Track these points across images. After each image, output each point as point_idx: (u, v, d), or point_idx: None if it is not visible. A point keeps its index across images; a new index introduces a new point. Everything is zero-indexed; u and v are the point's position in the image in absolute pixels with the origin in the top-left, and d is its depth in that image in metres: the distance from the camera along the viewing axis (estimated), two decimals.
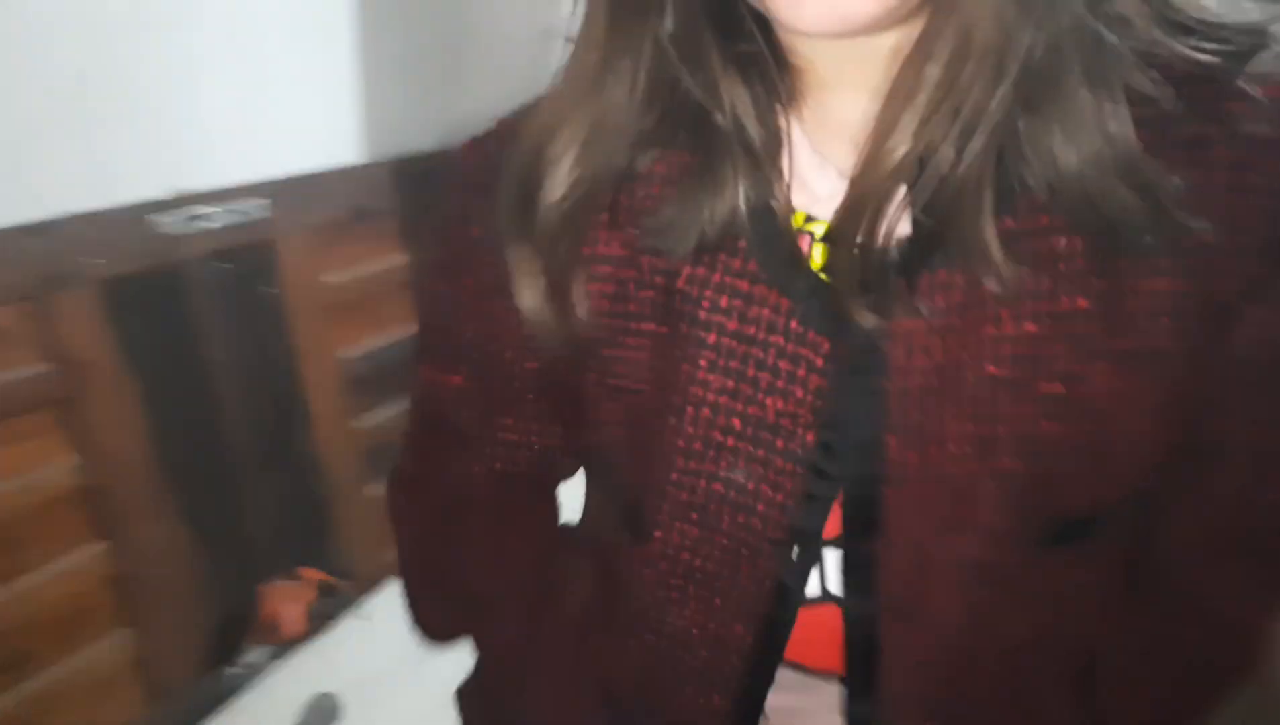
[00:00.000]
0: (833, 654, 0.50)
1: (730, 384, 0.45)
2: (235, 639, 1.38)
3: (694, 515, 0.48)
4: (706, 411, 0.46)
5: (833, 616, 0.49)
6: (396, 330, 1.70)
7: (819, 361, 0.44)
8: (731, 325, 0.45)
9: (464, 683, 0.68)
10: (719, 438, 0.46)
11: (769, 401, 0.45)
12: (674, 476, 0.47)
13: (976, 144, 0.38)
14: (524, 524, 0.62)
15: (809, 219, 0.45)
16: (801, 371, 0.44)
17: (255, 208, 1.44)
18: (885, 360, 0.43)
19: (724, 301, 0.45)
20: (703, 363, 0.46)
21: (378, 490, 1.76)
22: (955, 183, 0.39)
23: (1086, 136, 0.38)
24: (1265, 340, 0.42)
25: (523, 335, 0.50)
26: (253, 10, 1.40)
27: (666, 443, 0.47)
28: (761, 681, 0.52)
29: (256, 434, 1.45)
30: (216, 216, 1.37)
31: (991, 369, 0.42)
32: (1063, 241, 0.41)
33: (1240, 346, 0.42)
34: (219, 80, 1.36)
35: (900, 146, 0.39)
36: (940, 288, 0.42)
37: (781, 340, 0.44)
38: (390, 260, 1.67)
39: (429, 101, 1.81)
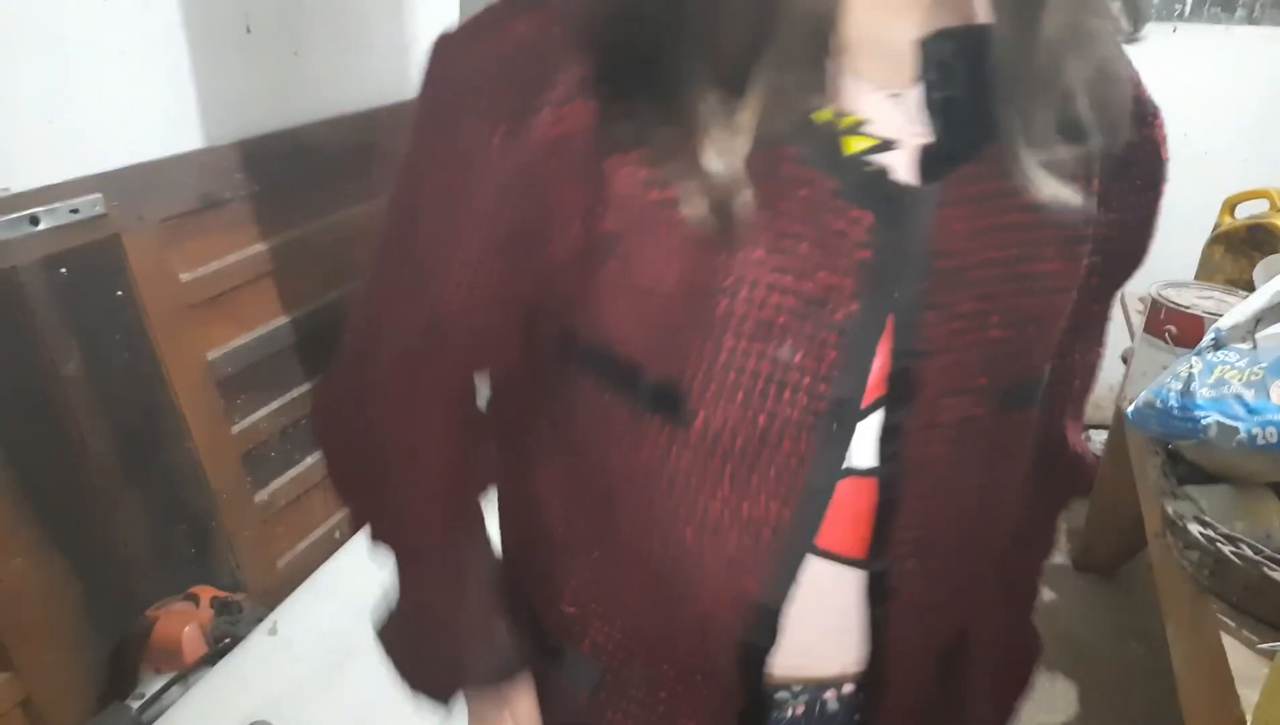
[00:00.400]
0: (854, 533, 0.54)
1: (783, 262, 0.47)
2: (130, 669, 1.28)
3: (739, 396, 0.49)
4: (760, 292, 0.47)
5: (856, 492, 0.53)
6: (265, 322, 1.60)
7: (862, 236, 0.48)
8: (780, 205, 0.47)
9: (383, 622, 0.69)
10: (771, 316, 0.48)
11: (820, 276, 0.48)
12: (723, 357, 0.48)
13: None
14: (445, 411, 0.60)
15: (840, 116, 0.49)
16: (846, 246, 0.48)
17: (88, 204, 1.31)
18: (929, 244, 0.49)
19: (766, 181, 0.46)
20: (757, 244, 0.47)
21: (266, 496, 1.68)
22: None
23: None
24: (1106, 237, 0.56)
25: (525, 247, 0.49)
26: None
27: (715, 325, 0.48)
28: (794, 562, 0.53)
29: (126, 450, 1.34)
30: (45, 217, 1.24)
31: (994, 254, 0.50)
32: None
33: (1094, 242, 0.55)
34: (31, 64, 1.22)
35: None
36: (971, 180, 0.49)
37: (828, 217, 0.47)
38: (249, 249, 1.56)
39: (265, 76, 1.69)
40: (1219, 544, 0.93)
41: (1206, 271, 1.82)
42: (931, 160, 0.49)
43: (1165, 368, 1.28)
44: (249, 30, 1.65)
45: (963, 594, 0.62)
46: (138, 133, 1.41)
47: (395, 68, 2.06)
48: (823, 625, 0.56)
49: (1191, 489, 1.05)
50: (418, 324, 0.54)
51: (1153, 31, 0.55)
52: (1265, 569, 0.88)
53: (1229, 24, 2.41)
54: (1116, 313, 2.17)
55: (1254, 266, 1.69)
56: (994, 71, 0.48)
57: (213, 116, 1.54)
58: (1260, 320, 1.14)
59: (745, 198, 0.46)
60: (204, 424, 1.45)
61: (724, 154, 0.45)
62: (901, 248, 0.49)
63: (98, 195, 1.30)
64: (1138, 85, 0.56)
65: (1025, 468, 0.62)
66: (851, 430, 0.51)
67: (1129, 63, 0.54)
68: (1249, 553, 0.91)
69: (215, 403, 1.48)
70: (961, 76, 0.48)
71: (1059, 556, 2.27)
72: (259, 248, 1.59)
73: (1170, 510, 1.01)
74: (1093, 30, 0.49)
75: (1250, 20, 2.41)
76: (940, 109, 0.48)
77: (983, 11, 0.50)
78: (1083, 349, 0.63)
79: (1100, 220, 0.55)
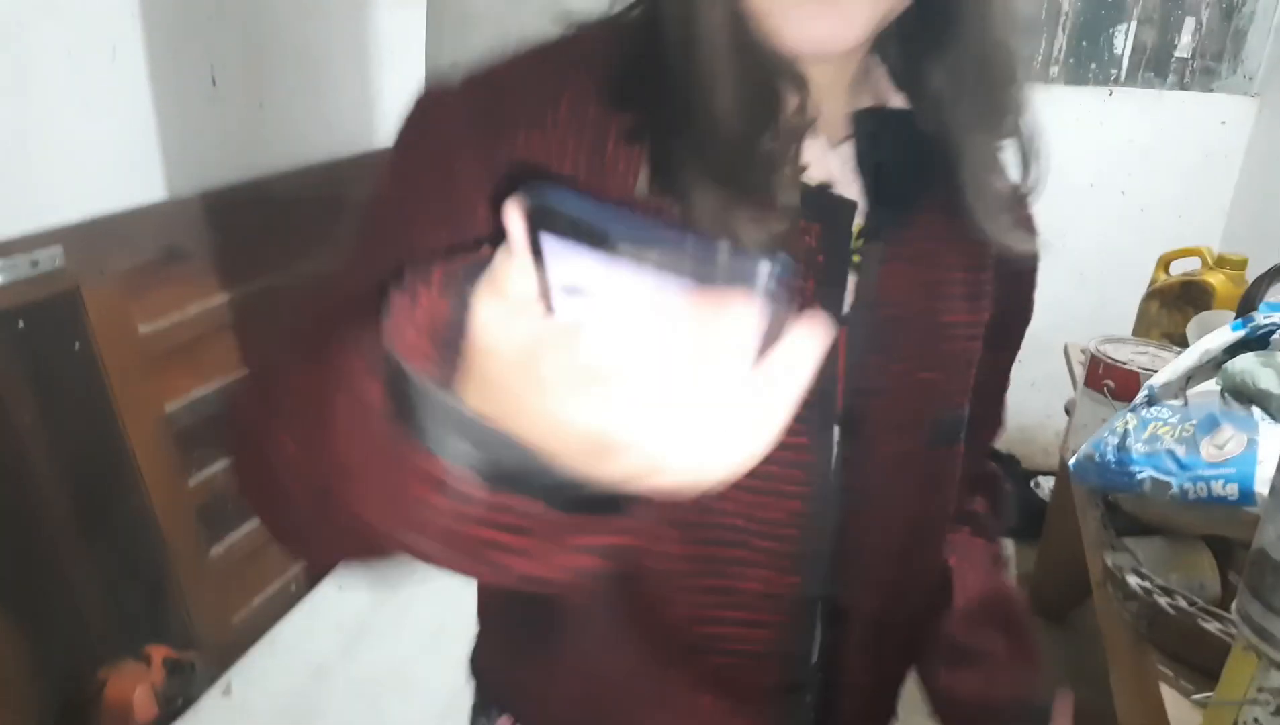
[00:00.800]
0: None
1: None
2: None
3: None
4: None
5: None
6: (225, 374, 1.60)
7: (814, 243, 0.54)
8: None
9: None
10: None
11: None
12: None
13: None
14: None
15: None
16: (803, 251, 0.54)
17: (48, 257, 1.31)
18: (877, 296, 0.56)
19: None
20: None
21: (221, 549, 1.67)
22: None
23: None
24: (1002, 308, 0.65)
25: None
26: (26, 37, 1.27)
27: None
28: (824, 552, 0.58)
29: (80, 505, 1.32)
30: (4, 270, 1.23)
31: (922, 305, 0.58)
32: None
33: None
34: None
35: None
36: (907, 241, 0.57)
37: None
38: (209, 301, 1.57)
39: (230, 129, 1.70)
40: (1155, 595, 0.96)
41: (1144, 326, 1.89)
42: (873, 224, 0.56)
43: (1104, 420, 1.33)
44: (214, 83, 1.67)
45: (900, 608, 0.68)
46: (102, 185, 1.41)
47: (359, 119, 2.09)
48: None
49: (1129, 541, 1.09)
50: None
51: (1091, 95, 0.63)
52: (1199, 620, 0.92)
53: (1161, 89, 2.54)
54: (1061, 363, 2.22)
55: (1188, 321, 1.76)
56: (915, 150, 0.56)
57: (177, 168, 1.56)
58: (1191, 378, 1.19)
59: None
60: (159, 478, 1.44)
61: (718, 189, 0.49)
62: (845, 253, 0.55)
63: (58, 248, 1.30)
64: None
65: (952, 500, 0.69)
66: (833, 421, 0.56)
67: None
68: (1184, 604, 0.95)
69: (172, 456, 1.47)
70: (887, 147, 0.56)
71: None
72: (220, 299, 1.59)
73: (1109, 562, 1.05)
74: (989, 122, 0.56)
75: (1181, 85, 2.54)
76: (871, 172, 0.56)
77: (894, 99, 0.58)
78: (988, 410, 0.72)
79: (998, 289, 0.64)
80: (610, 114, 0.51)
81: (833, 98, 0.57)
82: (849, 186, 0.56)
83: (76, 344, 1.34)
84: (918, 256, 0.58)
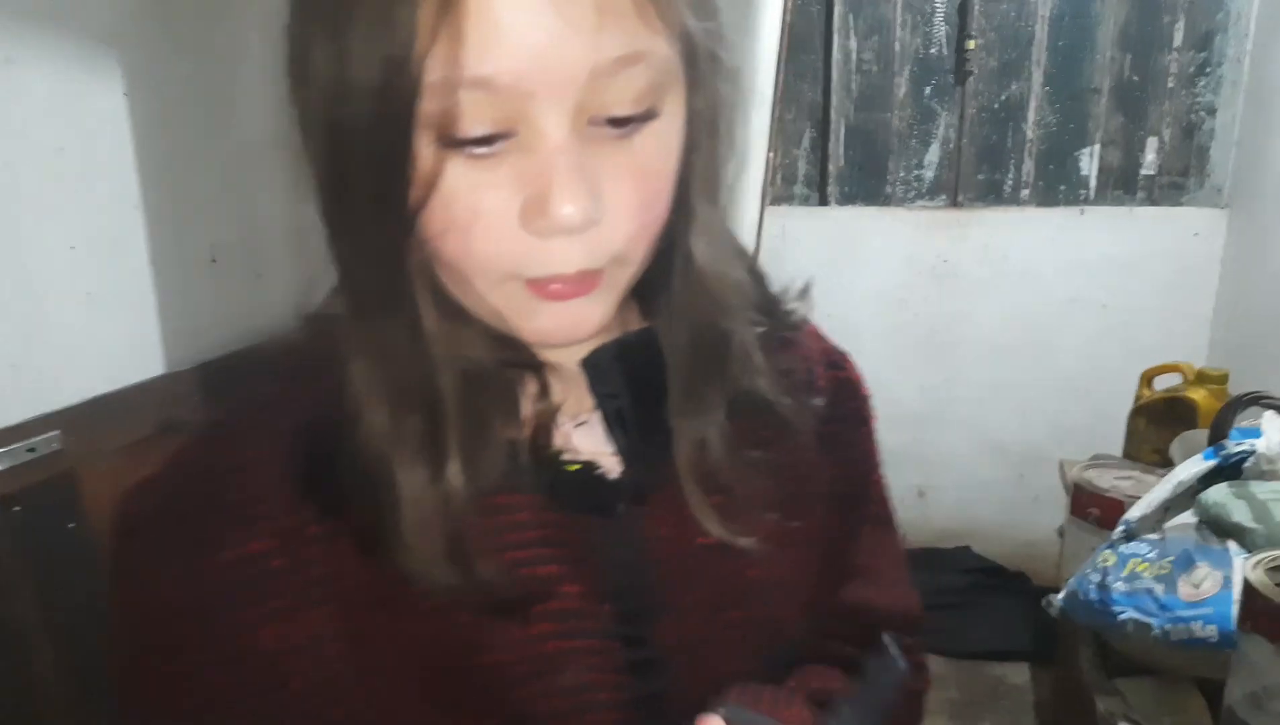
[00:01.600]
0: None
1: (529, 589, 0.51)
2: None
3: None
4: (520, 631, 0.51)
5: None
6: None
7: (595, 540, 0.51)
8: (508, 546, 0.51)
9: None
10: (540, 649, 0.51)
11: (568, 589, 0.51)
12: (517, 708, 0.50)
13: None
14: None
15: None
16: (580, 553, 0.51)
17: (45, 442, 1.35)
18: (646, 555, 0.52)
19: (486, 524, 0.50)
20: (500, 591, 0.50)
21: None
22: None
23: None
24: (835, 477, 0.61)
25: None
26: (29, 238, 1.34)
27: (491, 683, 0.50)
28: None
29: (77, 683, 1.32)
30: (2, 459, 1.27)
31: (702, 542, 0.52)
32: None
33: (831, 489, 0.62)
34: None
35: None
36: (667, 486, 0.52)
37: (552, 533, 0.51)
38: None
39: (229, 301, 1.78)
40: None
41: (1134, 442, 1.90)
42: (628, 481, 0.51)
43: (1093, 548, 1.33)
44: (214, 260, 1.75)
45: None
46: (101, 368, 1.47)
47: None
48: None
49: (1121, 682, 1.07)
50: None
51: (1062, 216, 0.62)
52: None
53: (1131, 205, 2.62)
54: (1057, 484, 2.19)
55: (1176, 437, 1.77)
56: (658, 373, 0.51)
57: (176, 344, 1.62)
58: (1169, 508, 1.19)
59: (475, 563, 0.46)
60: None
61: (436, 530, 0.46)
62: (622, 545, 0.51)
63: (55, 432, 1.34)
64: (817, 337, 0.61)
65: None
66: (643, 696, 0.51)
67: (802, 322, 0.59)
68: None
69: None
70: (623, 381, 0.50)
71: None
72: None
73: (1101, 708, 1.03)
74: (735, 314, 0.51)
75: (1151, 201, 2.62)
76: (616, 421, 0.51)
77: (634, 321, 0.53)
78: (867, 550, 0.64)
79: (826, 465, 0.59)
80: (301, 498, 0.49)
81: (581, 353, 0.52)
82: (609, 458, 0.52)
83: (70, 523, 1.36)
84: (683, 499, 0.52)
